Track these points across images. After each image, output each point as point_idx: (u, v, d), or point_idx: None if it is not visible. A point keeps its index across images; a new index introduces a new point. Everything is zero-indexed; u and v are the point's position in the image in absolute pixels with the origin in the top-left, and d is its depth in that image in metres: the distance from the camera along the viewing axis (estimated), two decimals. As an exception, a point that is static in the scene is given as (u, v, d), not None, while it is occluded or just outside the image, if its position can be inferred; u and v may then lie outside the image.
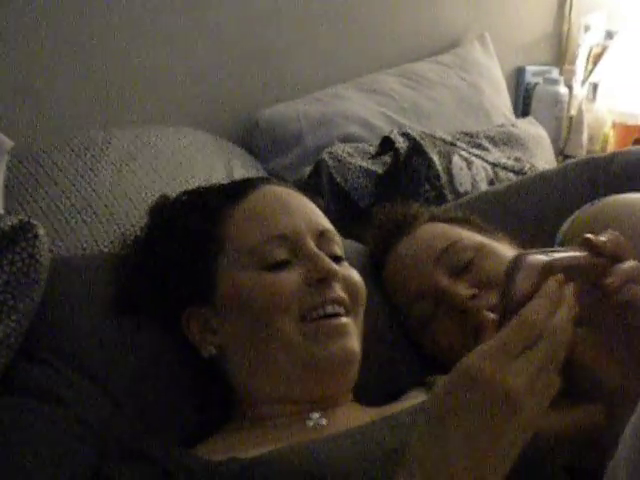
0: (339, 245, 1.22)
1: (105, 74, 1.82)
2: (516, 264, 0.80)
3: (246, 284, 1.13)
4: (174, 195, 1.29)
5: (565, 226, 1.41)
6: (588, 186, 1.60)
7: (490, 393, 0.75)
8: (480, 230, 1.41)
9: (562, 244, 1.38)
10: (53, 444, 1.07)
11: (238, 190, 1.23)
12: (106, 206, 1.50)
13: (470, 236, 1.37)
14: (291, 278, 1.13)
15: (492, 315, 0.81)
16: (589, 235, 0.85)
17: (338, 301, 1.13)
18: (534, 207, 1.61)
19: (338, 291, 1.14)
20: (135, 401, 1.16)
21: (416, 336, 1.37)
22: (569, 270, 0.81)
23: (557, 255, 0.82)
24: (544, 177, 1.68)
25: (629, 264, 0.85)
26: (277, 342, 1.11)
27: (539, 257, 0.80)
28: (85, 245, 1.42)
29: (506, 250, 1.36)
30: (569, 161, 1.81)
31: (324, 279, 1.13)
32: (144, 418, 1.16)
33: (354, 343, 1.13)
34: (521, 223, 1.57)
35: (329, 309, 1.12)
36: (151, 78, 1.89)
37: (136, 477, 1.00)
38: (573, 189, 1.61)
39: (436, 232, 1.38)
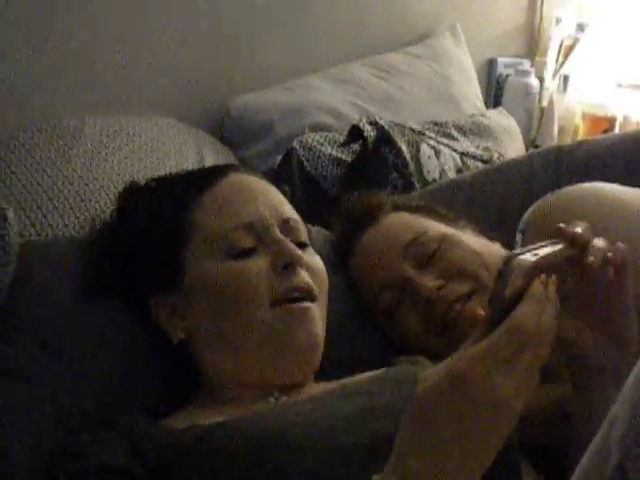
0: (303, 232, 1.24)
1: (77, 62, 1.82)
2: (507, 265, 0.83)
3: (214, 272, 1.15)
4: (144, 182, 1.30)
5: (526, 215, 1.42)
6: (553, 174, 1.62)
7: (481, 398, 0.76)
8: (444, 219, 1.42)
9: (524, 232, 1.40)
10: (19, 421, 1.09)
11: (206, 178, 1.25)
12: (77, 193, 1.50)
13: (435, 227, 1.38)
14: (257, 265, 1.15)
15: (482, 312, 0.83)
16: (563, 226, 0.90)
17: (304, 288, 1.15)
18: (499, 195, 1.62)
19: (305, 277, 1.16)
20: (104, 385, 1.18)
21: (382, 324, 1.39)
22: (553, 267, 0.85)
23: (541, 253, 0.86)
24: (510, 165, 1.70)
25: (601, 242, 0.91)
26: (245, 328, 1.13)
27: (527, 258, 0.84)
28: (56, 230, 1.43)
29: (470, 239, 1.38)
30: (535, 150, 1.82)
31: (289, 264, 1.15)
32: (112, 400, 1.17)
33: (318, 329, 1.16)
34: (486, 211, 1.59)
35: (296, 294, 1.14)
36: (123, 66, 1.90)
37: (101, 446, 1.01)
38: (538, 177, 1.62)
39: (401, 223, 1.40)
